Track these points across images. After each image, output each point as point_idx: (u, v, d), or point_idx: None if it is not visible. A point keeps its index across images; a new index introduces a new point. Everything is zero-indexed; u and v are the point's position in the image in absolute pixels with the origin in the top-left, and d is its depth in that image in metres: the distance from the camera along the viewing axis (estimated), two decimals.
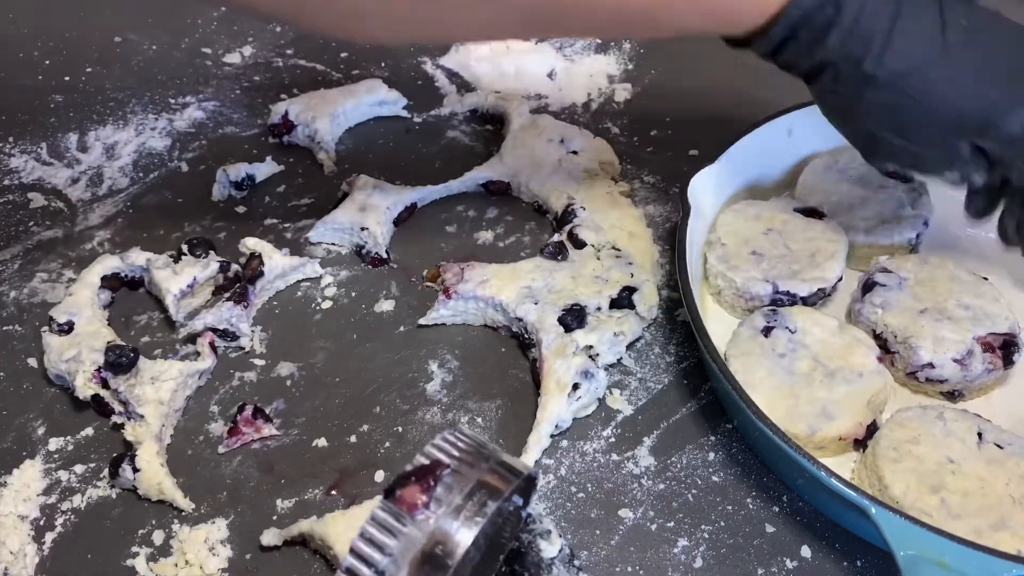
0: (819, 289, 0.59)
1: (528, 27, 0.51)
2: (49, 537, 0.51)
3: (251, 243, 0.64)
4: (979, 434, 0.52)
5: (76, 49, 0.86)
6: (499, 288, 0.61)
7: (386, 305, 0.64)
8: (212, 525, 0.51)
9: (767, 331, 0.57)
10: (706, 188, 0.62)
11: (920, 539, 0.44)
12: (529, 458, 0.54)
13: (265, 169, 0.73)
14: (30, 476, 0.53)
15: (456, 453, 0.39)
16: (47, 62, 0.85)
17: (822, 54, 0.51)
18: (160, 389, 0.55)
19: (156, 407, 0.54)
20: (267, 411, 0.57)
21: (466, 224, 0.70)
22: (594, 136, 0.74)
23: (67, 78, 0.83)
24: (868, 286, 0.59)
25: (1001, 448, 0.51)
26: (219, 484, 0.54)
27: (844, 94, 0.52)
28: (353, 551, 0.37)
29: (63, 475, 0.54)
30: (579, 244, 0.64)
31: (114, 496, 0.53)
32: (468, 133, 0.79)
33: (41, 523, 0.52)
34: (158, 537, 0.51)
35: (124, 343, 0.58)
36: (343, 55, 0.86)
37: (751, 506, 0.53)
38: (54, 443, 0.55)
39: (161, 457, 0.53)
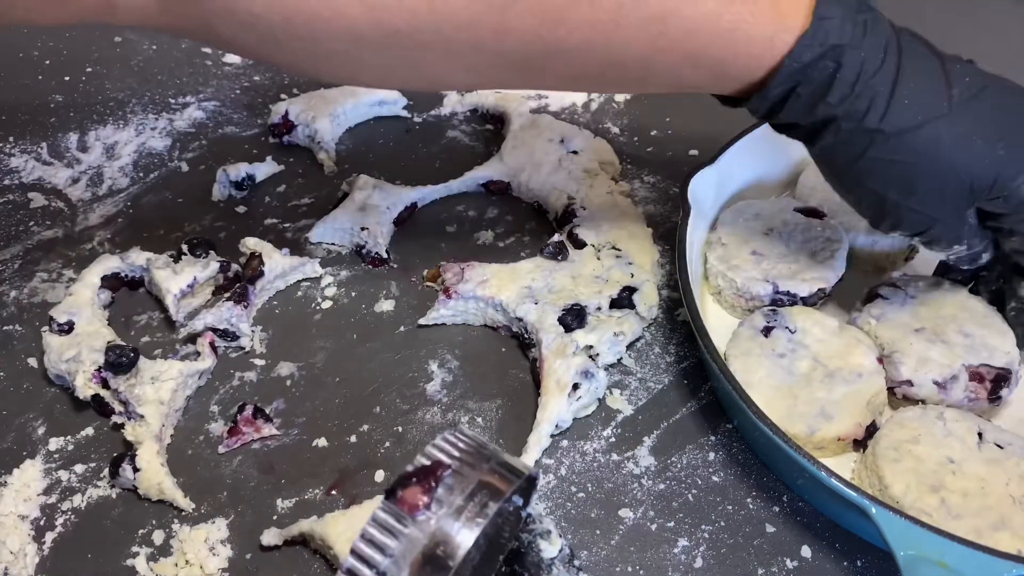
0: (819, 289, 0.59)
1: (519, 78, 0.50)
2: (49, 537, 0.51)
3: (251, 243, 0.64)
4: (979, 434, 0.52)
5: (76, 49, 0.86)
6: (499, 288, 0.61)
7: (386, 305, 0.64)
8: (212, 525, 0.51)
9: (767, 331, 0.57)
10: (706, 188, 0.62)
11: (920, 539, 0.44)
12: (529, 458, 0.54)
13: (265, 169, 0.73)
14: (30, 476, 0.53)
15: (457, 453, 0.39)
16: (47, 62, 0.85)
17: (823, 110, 0.48)
18: (160, 389, 0.55)
19: (156, 407, 0.54)
20: (267, 411, 0.57)
21: (466, 224, 0.70)
22: (594, 136, 0.74)
23: (67, 78, 0.83)
24: (870, 296, 0.59)
25: (1001, 448, 0.51)
26: (219, 484, 0.54)
27: (848, 152, 0.49)
28: (354, 552, 0.37)
29: (63, 475, 0.54)
30: (579, 244, 0.64)
31: (114, 496, 0.53)
32: (468, 133, 0.79)
33: (41, 523, 0.52)
34: (158, 537, 0.51)
35: (124, 343, 0.58)
36: None
37: (751, 506, 0.53)
38: (54, 443, 0.55)
39: (161, 457, 0.53)
